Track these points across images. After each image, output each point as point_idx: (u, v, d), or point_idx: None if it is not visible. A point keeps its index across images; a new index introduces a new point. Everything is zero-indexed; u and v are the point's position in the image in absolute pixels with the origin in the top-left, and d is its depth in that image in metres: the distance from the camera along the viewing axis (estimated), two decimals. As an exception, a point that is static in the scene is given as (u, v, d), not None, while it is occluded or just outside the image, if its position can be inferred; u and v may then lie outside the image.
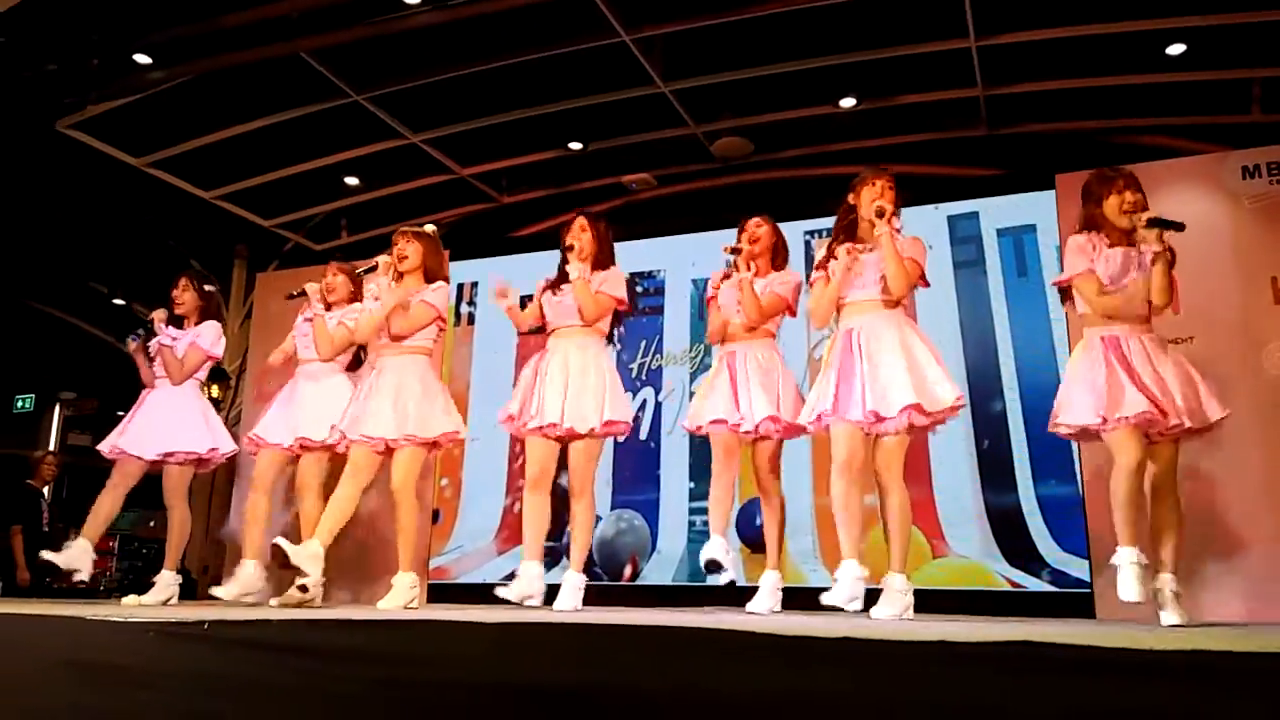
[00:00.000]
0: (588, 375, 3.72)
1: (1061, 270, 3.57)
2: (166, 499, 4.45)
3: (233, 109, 5.67)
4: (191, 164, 6.14)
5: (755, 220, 3.98)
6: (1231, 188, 5.00)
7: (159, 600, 4.27)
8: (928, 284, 3.65)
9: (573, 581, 3.68)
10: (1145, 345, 3.30)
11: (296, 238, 7.20)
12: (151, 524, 6.78)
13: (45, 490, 7.14)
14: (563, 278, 3.91)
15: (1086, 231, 3.45)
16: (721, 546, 3.80)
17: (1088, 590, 4.84)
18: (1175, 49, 4.85)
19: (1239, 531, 4.53)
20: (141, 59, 5.09)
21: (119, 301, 7.93)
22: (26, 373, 9.75)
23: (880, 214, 3.44)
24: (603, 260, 3.91)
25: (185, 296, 4.54)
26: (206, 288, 4.66)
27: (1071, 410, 3.33)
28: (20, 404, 10.18)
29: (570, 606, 3.58)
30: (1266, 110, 5.10)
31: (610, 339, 3.99)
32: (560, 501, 3.86)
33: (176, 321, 4.56)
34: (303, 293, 4.44)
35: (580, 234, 3.92)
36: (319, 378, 4.42)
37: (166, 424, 4.41)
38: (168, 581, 4.35)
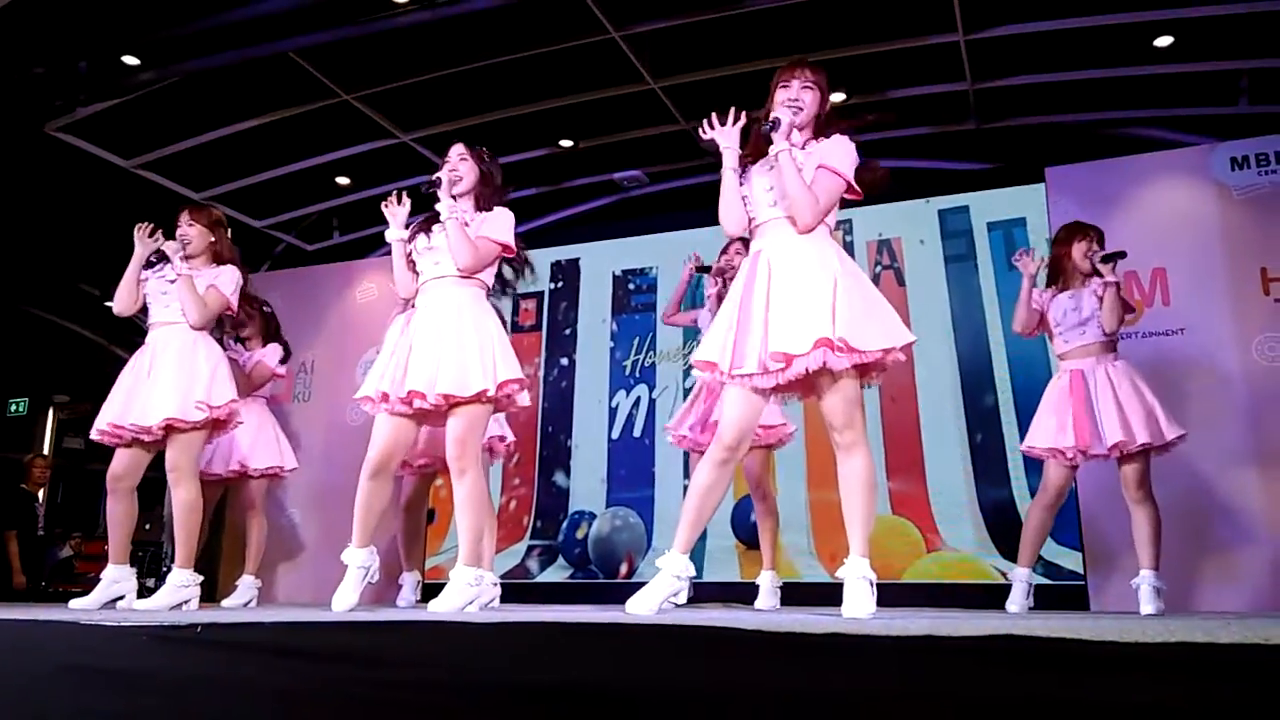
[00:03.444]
0: (465, 332, 3.08)
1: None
2: (242, 512, 4.75)
3: (222, 110, 5.66)
4: (182, 165, 6.13)
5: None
6: (1220, 179, 5.02)
7: (240, 603, 4.54)
8: (859, 193, 2.73)
9: (462, 578, 3.02)
10: (1110, 375, 3.78)
11: (288, 238, 7.19)
12: (147, 526, 6.77)
13: (40, 494, 7.14)
14: (434, 219, 3.23)
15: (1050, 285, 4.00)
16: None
17: (1081, 583, 4.86)
18: (1163, 41, 4.87)
19: (1232, 523, 4.55)
20: (130, 60, 5.08)
21: (110, 304, 7.91)
22: (20, 377, 9.72)
23: (771, 126, 2.64)
24: (487, 197, 3.27)
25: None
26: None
27: (1034, 436, 3.90)
28: (14, 408, 10.15)
29: (451, 606, 2.96)
30: (1254, 101, 5.12)
31: (494, 290, 3.35)
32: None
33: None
34: (162, 256, 3.69)
35: (460, 163, 3.26)
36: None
37: (242, 438, 4.56)
38: (248, 585, 4.63)
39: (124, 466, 3.58)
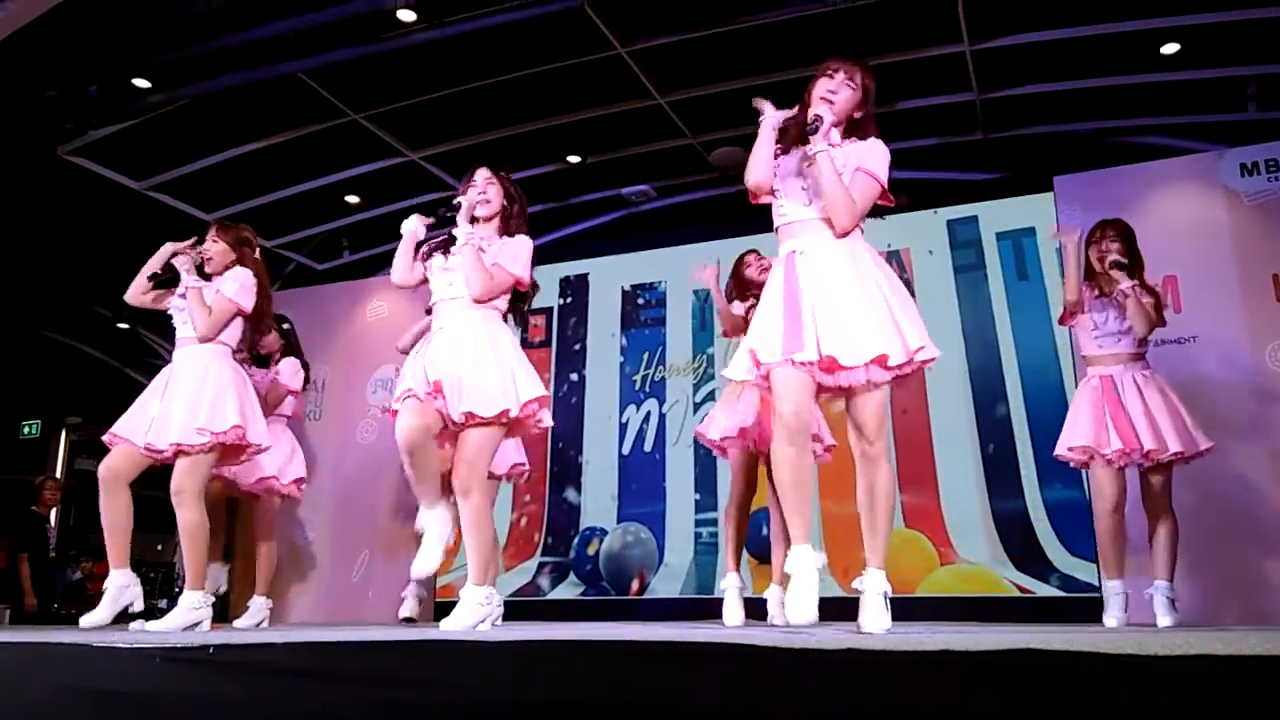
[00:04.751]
0: (482, 351, 3.05)
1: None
2: (254, 533, 4.79)
3: (232, 131, 5.71)
4: (193, 186, 6.18)
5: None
6: (1230, 186, 5.00)
7: (252, 624, 4.61)
8: (892, 200, 2.72)
9: (471, 597, 2.99)
10: (1137, 382, 3.77)
11: (299, 258, 7.22)
12: (159, 548, 6.79)
13: (51, 516, 7.16)
14: (453, 240, 3.17)
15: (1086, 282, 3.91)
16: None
17: (1097, 595, 4.82)
18: (1169, 48, 4.86)
19: (1246, 530, 4.51)
20: (140, 83, 5.12)
21: (124, 326, 7.95)
22: (33, 399, 9.77)
23: (813, 128, 2.60)
24: (510, 225, 3.24)
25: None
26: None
27: (1071, 437, 3.83)
28: (27, 430, 10.21)
29: (462, 625, 2.92)
30: (1262, 107, 5.10)
31: (509, 317, 3.30)
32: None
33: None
34: (172, 271, 3.66)
35: (487, 186, 3.22)
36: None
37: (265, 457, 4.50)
38: (260, 606, 4.72)
39: (118, 459, 3.47)
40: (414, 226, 3.28)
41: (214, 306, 3.57)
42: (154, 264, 3.72)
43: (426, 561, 3.05)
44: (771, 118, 2.71)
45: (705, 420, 4.23)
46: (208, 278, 3.70)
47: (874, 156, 2.64)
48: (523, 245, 3.21)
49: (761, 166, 2.70)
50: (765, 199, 2.76)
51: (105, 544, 3.49)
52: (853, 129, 2.73)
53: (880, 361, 2.50)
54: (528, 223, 3.30)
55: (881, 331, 2.51)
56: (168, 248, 3.72)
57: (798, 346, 2.52)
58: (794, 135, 2.71)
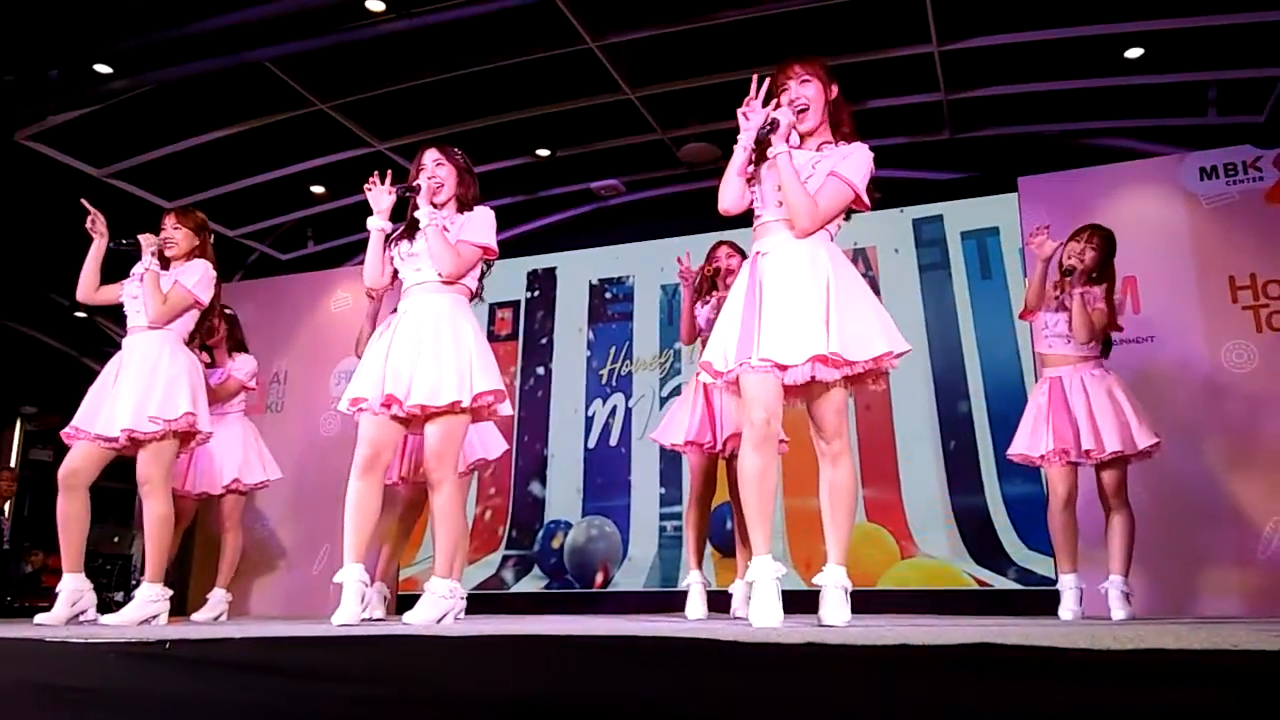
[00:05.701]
0: (443, 341, 3.03)
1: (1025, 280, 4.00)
2: (219, 525, 4.80)
3: (195, 119, 5.62)
4: (154, 174, 6.08)
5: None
6: (1189, 189, 5.10)
7: (210, 617, 4.61)
8: (868, 206, 2.66)
9: (436, 590, 2.98)
10: (1085, 384, 3.85)
11: (262, 247, 7.14)
12: (115, 539, 6.68)
13: (5, 508, 7.02)
14: (415, 225, 3.16)
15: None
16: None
17: (1053, 588, 4.89)
18: (1133, 53, 4.93)
19: (1201, 525, 4.60)
20: (102, 69, 5.02)
21: (80, 315, 7.81)
22: (-13, 387, 9.57)
23: (771, 127, 2.60)
24: (466, 200, 3.23)
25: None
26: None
27: (1017, 443, 3.96)
28: (-19, 420, 9.99)
29: (423, 619, 2.90)
30: (1223, 112, 5.20)
31: (477, 294, 3.28)
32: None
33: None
34: (135, 246, 3.64)
35: (437, 169, 3.20)
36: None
37: (229, 455, 4.66)
38: (219, 598, 4.70)
39: (80, 461, 3.42)
40: (379, 225, 3.20)
41: (171, 296, 3.56)
42: (97, 254, 3.67)
43: (345, 615, 2.80)
44: (746, 137, 2.64)
45: (662, 424, 4.23)
46: (166, 263, 3.67)
47: (851, 162, 2.61)
48: (485, 216, 3.20)
49: (730, 194, 2.69)
50: (744, 206, 2.74)
51: (60, 544, 3.42)
52: (835, 122, 2.71)
53: (818, 360, 2.47)
54: (479, 194, 3.29)
55: (826, 331, 2.47)
56: (98, 234, 3.66)
57: (749, 350, 2.53)
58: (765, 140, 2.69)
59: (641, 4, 4.76)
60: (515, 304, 6.78)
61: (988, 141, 5.77)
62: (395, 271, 3.23)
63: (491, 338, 6.55)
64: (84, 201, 3.70)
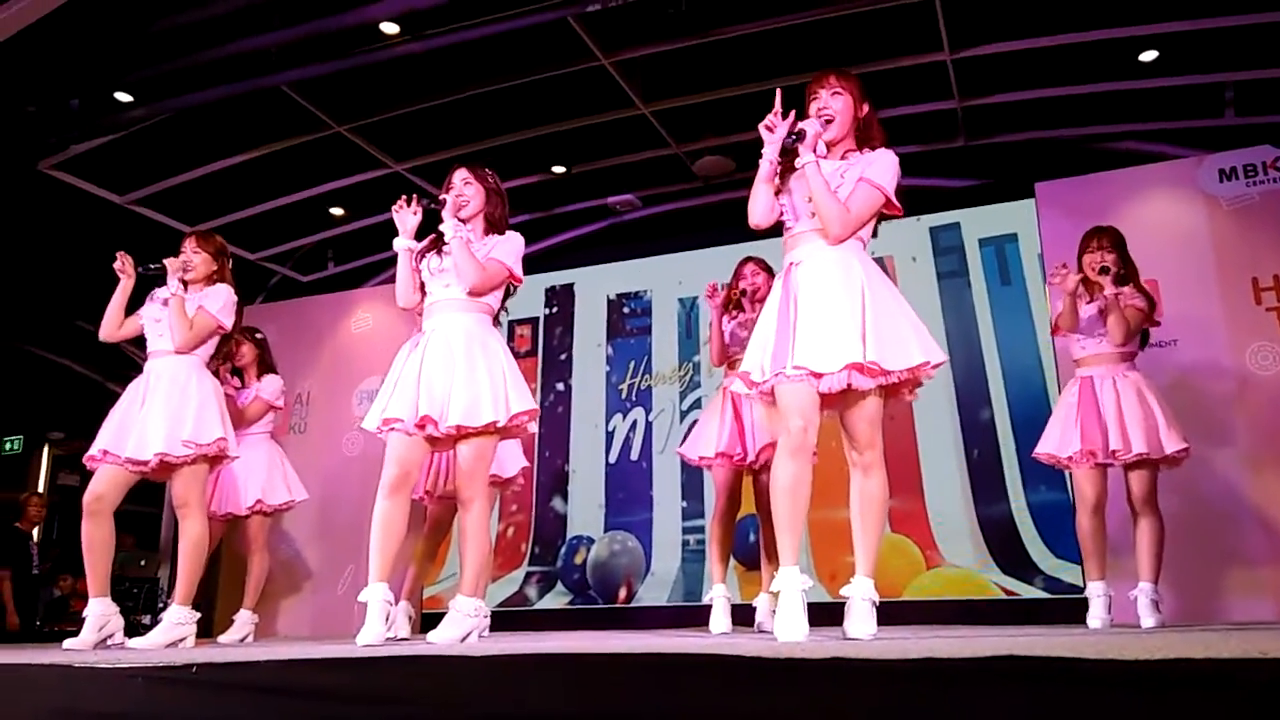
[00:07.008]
0: (476, 361, 3.04)
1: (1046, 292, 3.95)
2: (246, 547, 4.82)
3: (215, 144, 5.69)
4: (176, 200, 6.15)
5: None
6: (1209, 191, 5.05)
7: (237, 639, 4.62)
8: (899, 210, 2.70)
9: (461, 608, 3.01)
10: (1116, 385, 3.79)
11: (283, 270, 7.20)
12: (143, 563, 6.73)
13: (34, 533, 7.10)
14: (442, 239, 3.17)
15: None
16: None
17: (1081, 596, 4.84)
18: (1148, 55, 4.90)
19: (1229, 531, 4.54)
20: (122, 97, 5.10)
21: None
22: (14, 414, 9.69)
23: (799, 136, 2.61)
24: (496, 222, 3.27)
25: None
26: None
27: (1044, 443, 3.91)
28: (9, 446, 10.12)
29: (448, 638, 2.92)
30: (1240, 113, 5.15)
31: (496, 319, 3.29)
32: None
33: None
34: (161, 267, 3.66)
35: (465, 187, 3.23)
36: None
37: (254, 476, 4.70)
38: (245, 620, 4.73)
39: (105, 486, 3.43)
40: (406, 245, 3.22)
41: (196, 322, 3.58)
42: (123, 293, 3.70)
43: (369, 635, 2.80)
44: (770, 150, 2.65)
45: (689, 439, 4.21)
46: (185, 288, 3.70)
47: (878, 167, 2.62)
48: (515, 241, 3.24)
49: (759, 207, 2.70)
50: (773, 219, 2.74)
51: (85, 570, 3.45)
52: (863, 138, 2.73)
53: (854, 369, 2.46)
54: (508, 216, 3.32)
55: (862, 341, 2.47)
56: (125, 274, 3.67)
57: (784, 359, 2.52)
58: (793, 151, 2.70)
59: (654, 20, 4.78)
60: (534, 320, 6.80)
61: (1003, 148, 5.75)
62: (423, 285, 3.24)
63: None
64: (121, 255, 3.69)
